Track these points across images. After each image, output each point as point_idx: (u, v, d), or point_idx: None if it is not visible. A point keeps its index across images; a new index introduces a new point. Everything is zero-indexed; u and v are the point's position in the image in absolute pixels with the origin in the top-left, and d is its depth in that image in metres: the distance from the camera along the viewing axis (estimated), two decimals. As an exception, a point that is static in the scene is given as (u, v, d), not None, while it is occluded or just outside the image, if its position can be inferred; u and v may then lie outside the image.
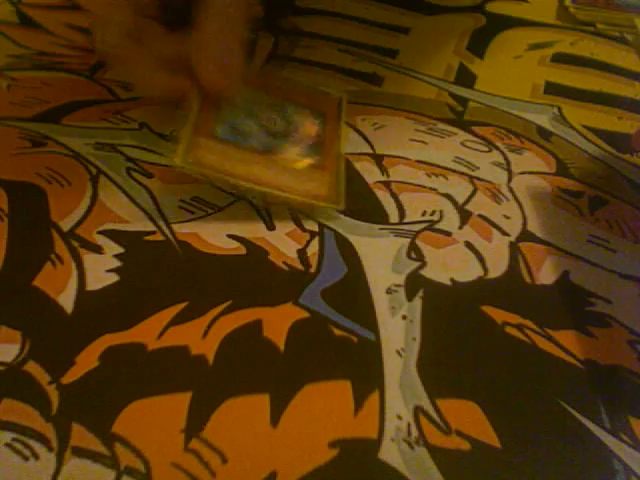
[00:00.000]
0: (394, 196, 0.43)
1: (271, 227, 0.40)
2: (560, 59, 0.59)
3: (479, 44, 0.59)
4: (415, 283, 0.38)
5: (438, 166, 0.46)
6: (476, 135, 0.49)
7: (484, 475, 0.30)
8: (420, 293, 0.37)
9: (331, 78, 0.53)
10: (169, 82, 0.40)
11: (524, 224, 0.42)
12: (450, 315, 0.36)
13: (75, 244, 0.38)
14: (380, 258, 0.39)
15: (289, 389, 0.32)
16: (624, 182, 0.46)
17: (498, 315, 0.36)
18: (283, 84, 0.46)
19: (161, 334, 0.34)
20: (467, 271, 0.39)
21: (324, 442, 0.30)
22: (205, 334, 0.34)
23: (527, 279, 0.39)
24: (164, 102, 0.45)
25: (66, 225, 0.39)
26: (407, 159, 0.46)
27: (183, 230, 0.39)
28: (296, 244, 0.39)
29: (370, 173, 0.45)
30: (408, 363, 0.34)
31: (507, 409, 0.32)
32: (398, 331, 0.35)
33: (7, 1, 0.59)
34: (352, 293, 0.37)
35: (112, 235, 0.39)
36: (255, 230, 0.40)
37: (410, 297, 0.37)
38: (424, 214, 0.42)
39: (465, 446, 0.31)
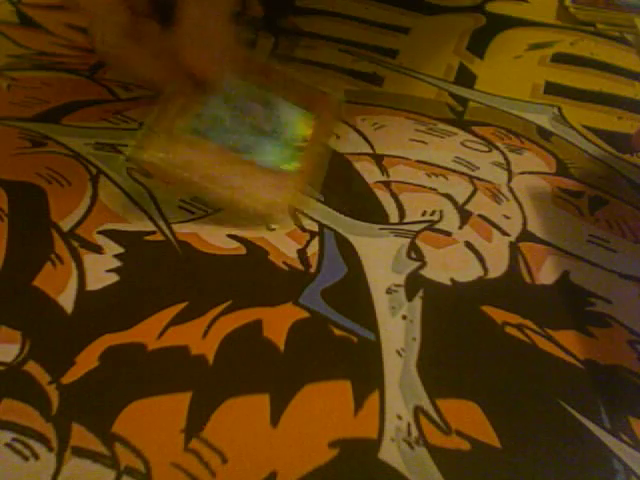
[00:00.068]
0: (394, 196, 0.43)
1: (271, 227, 0.40)
2: (560, 59, 0.59)
3: (479, 44, 0.59)
4: (415, 283, 0.38)
5: (438, 166, 0.46)
6: (476, 135, 0.49)
7: (484, 475, 0.30)
8: (420, 293, 0.37)
9: (331, 78, 0.53)
10: (168, 77, 0.40)
11: (524, 224, 0.42)
12: (450, 315, 0.36)
13: (75, 244, 0.38)
14: (380, 258, 0.39)
15: (289, 389, 0.32)
16: (624, 182, 0.46)
17: (498, 315, 0.36)
18: (278, 77, 0.45)
19: (161, 334, 0.34)
20: (467, 271, 0.39)
21: (324, 442, 0.30)
22: (205, 334, 0.34)
23: (527, 279, 0.39)
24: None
25: (66, 225, 0.39)
26: (407, 159, 0.46)
27: (183, 230, 0.39)
28: (296, 244, 0.39)
29: (370, 173, 0.45)
30: (408, 363, 0.34)
31: (507, 409, 0.32)
32: (398, 331, 0.35)
33: (7, 1, 0.59)
34: (352, 293, 0.37)
35: (112, 235, 0.39)
36: (255, 230, 0.40)
37: (410, 297, 0.37)
38: (424, 214, 0.42)
39: (465, 446, 0.31)
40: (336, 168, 0.45)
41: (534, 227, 0.42)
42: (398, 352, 0.34)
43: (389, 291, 0.37)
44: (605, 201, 0.44)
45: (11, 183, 0.42)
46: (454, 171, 0.46)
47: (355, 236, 0.40)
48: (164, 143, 0.38)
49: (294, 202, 0.41)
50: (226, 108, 0.41)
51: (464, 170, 0.46)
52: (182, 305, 0.35)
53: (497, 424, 0.32)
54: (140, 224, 0.39)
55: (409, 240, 0.40)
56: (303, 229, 0.40)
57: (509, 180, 0.45)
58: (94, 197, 0.41)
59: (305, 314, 0.35)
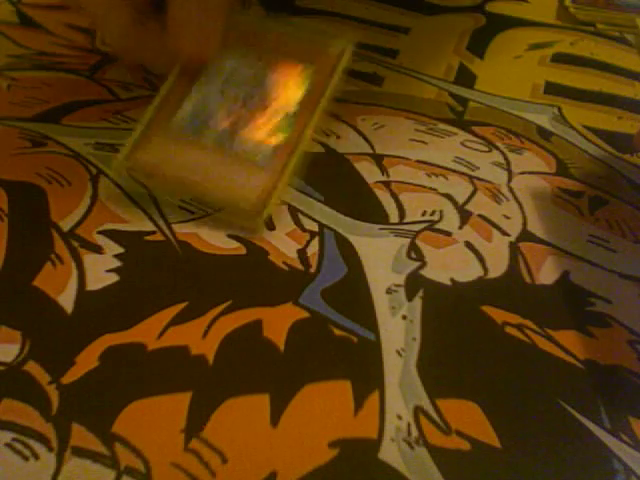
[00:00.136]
0: (394, 196, 0.43)
1: (271, 227, 0.40)
2: (560, 59, 0.59)
3: (479, 44, 0.59)
4: (415, 283, 0.38)
5: (438, 166, 0.46)
6: (476, 135, 0.49)
7: (484, 475, 0.30)
8: (420, 293, 0.37)
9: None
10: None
11: (524, 224, 0.42)
12: (450, 315, 0.36)
13: (75, 244, 0.38)
14: (380, 258, 0.39)
15: (289, 389, 0.32)
16: (624, 182, 0.46)
17: (498, 315, 0.36)
18: (272, 40, 0.41)
19: (161, 334, 0.34)
20: (467, 271, 0.39)
21: (324, 442, 0.30)
22: (205, 334, 0.34)
23: (527, 279, 0.39)
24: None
25: (66, 225, 0.39)
26: (407, 159, 0.46)
27: (183, 230, 0.39)
28: (296, 244, 0.39)
29: (370, 173, 0.45)
30: (408, 363, 0.34)
31: (507, 409, 0.32)
32: (398, 331, 0.35)
33: (7, 1, 0.59)
34: (352, 293, 0.37)
35: (112, 235, 0.39)
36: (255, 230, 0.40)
37: (410, 297, 0.37)
38: (424, 214, 0.42)
39: (465, 446, 0.31)
40: (336, 168, 0.45)
41: (534, 227, 0.42)
42: (398, 352, 0.34)
43: (389, 291, 0.37)
44: (605, 201, 0.44)
45: (11, 183, 0.42)
46: (454, 171, 0.46)
47: (355, 236, 0.40)
48: (157, 146, 0.38)
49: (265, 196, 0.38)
50: (211, 90, 0.40)
51: (464, 170, 0.46)
52: (182, 305, 0.35)
53: (497, 424, 0.32)
54: (140, 224, 0.39)
55: (409, 240, 0.40)
56: (303, 229, 0.40)
57: (509, 180, 0.45)
58: (94, 197, 0.41)
59: (305, 314, 0.35)
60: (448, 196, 0.44)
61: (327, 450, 0.30)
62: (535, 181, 0.46)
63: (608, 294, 0.38)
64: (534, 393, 0.33)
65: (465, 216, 0.42)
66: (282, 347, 0.34)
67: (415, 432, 0.31)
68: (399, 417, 0.31)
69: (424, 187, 0.44)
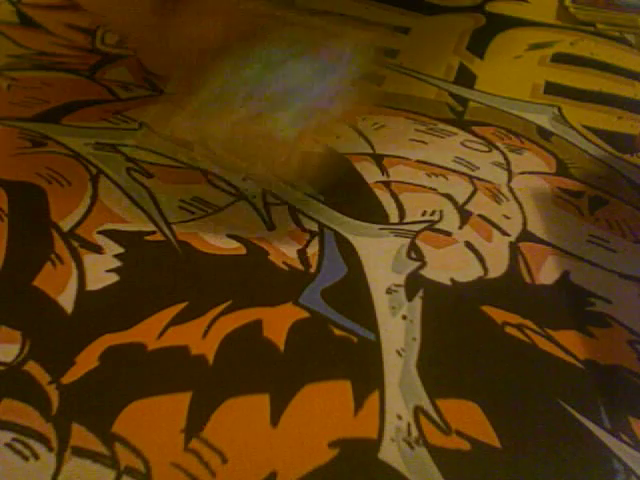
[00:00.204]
0: (394, 196, 0.43)
1: (271, 227, 0.40)
2: (560, 59, 0.59)
3: (479, 44, 0.59)
4: (415, 283, 0.38)
5: (438, 166, 0.46)
6: (476, 135, 0.49)
7: (484, 475, 0.30)
8: (420, 293, 0.37)
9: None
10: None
11: (524, 224, 0.42)
12: (450, 315, 0.36)
13: (75, 244, 0.38)
14: (380, 258, 0.39)
15: (289, 389, 0.32)
16: (624, 182, 0.46)
17: (498, 315, 0.36)
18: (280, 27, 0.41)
19: (161, 334, 0.34)
20: (467, 271, 0.39)
21: (324, 442, 0.30)
22: (205, 334, 0.34)
23: (527, 279, 0.39)
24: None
25: (66, 225, 0.39)
26: (407, 159, 0.46)
27: (183, 230, 0.39)
28: (296, 244, 0.39)
29: (370, 173, 0.45)
30: (408, 363, 0.34)
31: (507, 409, 0.32)
32: (398, 331, 0.35)
33: (7, 1, 0.59)
34: (352, 293, 0.37)
35: (112, 235, 0.39)
36: (255, 230, 0.40)
37: (410, 297, 0.37)
38: (424, 214, 0.42)
39: (465, 446, 0.31)
40: (336, 168, 0.45)
41: (534, 227, 0.42)
42: (398, 352, 0.34)
43: (389, 291, 0.37)
44: (605, 201, 0.44)
45: (11, 183, 0.42)
46: (454, 171, 0.46)
47: (355, 236, 0.40)
48: (184, 115, 0.37)
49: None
50: (242, 75, 0.39)
51: (464, 170, 0.46)
52: (182, 305, 0.35)
53: (497, 424, 0.32)
54: (140, 224, 0.39)
55: (409, 240, 0.40)
56: (303, 229, 0.40)
57: (509, 180, 0.45)
58: (94, 197, 0.41)
59: (305, 314, 0.35)
60: (448, 196, 0.44)
61: (327, 450, 0.30)
62: (535, 181, 0.46)
63: (608, 294, 0.38)
64: (534, 393, 0.33)
65: (465, 216, 0.42)
66: (282, 347, 0.34)
67: (415, 432, 0.31)
68: (399, 417, 0.31)
69: (424, 187, 0.44)
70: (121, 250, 0.38)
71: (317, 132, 0.39)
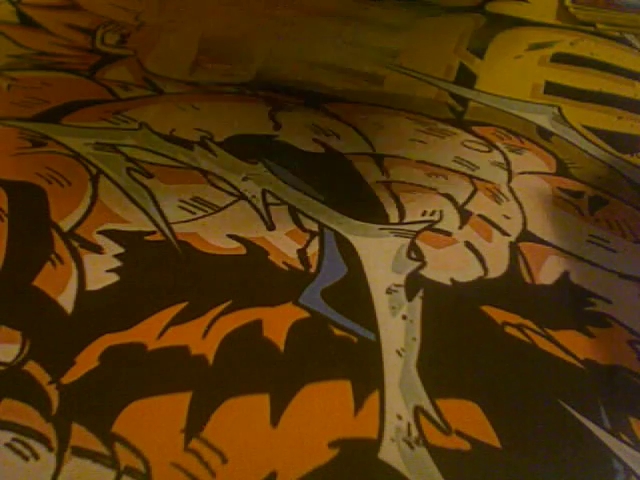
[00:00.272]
0: (394, 196, 0.43)
1: (271, 227, 0.40)
2: (560, 59, 0.59)
3: (479, 44, 0.59)
4: (415, 283, 0.38)
5: (438, 166, 0.46)
6: (476, 135, 0.49)
7: (484, 475, 0.30)
8: (420, 293, 0.37)
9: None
10: None
11: (524, 224, 0.42)
12: (450, 315, 0.36)
13: (75, 244, 0.38)
14: (380, 258, 0.39)
15: (289, 389, 0.32)
16: (624, 182, 0.46)
17: (498, 315, 0.36)
18: None
19: (161, 334, 0.34)
20: (467, 271, 0.39)
21: (324, 442, 0.30)
22: (205, 334, 0.34)
23: (527, 279, 0.39)
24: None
25: (66, 225, 0.39)
26: (407, 159, 0.46)
27: (183, 230, 0.39)
28: (296, 244, 0.39)
29: (370, 173, 0.45)
30: (408, 363, 0.34)
31: (507, 409, 0.32)
32: (398, 331, 0.35)
33: (7, 1, 0.59)
34: (352, 293, 0.37)
35: (112, 235, 0.39)
36: (255, 230, 0.40)
37: (410, 297, 0.37)
38: (424, 214, 0.42)
39: (465, 446, 0.31)
40: (336, 168, 0.45)
41: (534, 227, 0.42)
42: (398, 352, 0.34)
43: (389, 291, 0.37)
44: (605, 201, 0.44)
45: (11, 183, 0.41)
46: (454, 171, 0.46)
47: (355, 236, 0.40)
48: None
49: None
50: None
51: (464, 170, 0.46)
52: (182, 305, 0.35)
53: (497, 424, 0.32)
54: (140, 224, 0.39)
55: (409, 240, 0.40)
56: (303, 229, 0.40)
57: (509, 180, 0.45)
58: (94, 197, 0.41)
59: (305, 314, 0.35)
60: (448, 196, 0.44)
61: (327, 450, 0.30)
62: (535, 181, 0.46)
63: (608, 294, 0.38)
64: (534, 393, 0.33)
65: (465, 216, 0.42)
66: (282, 347, 0.34)
67: (415, 432, 0.31)
68: (399, 417, 0.31)
69: (424, 187, 0.44)
70: (121, 250, 0.38)
71: None
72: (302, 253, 0.39)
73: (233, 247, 0.39)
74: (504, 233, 0.41)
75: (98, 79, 0.51)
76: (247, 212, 0.41)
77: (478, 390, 0.33)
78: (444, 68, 0.56)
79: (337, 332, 0.35)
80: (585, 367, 0.34)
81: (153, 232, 0.39)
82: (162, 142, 0.45)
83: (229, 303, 0.36)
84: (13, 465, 0.29)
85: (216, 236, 0.39)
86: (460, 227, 0.41)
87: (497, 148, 0.48)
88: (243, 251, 0.39)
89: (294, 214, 0.41)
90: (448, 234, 0.41)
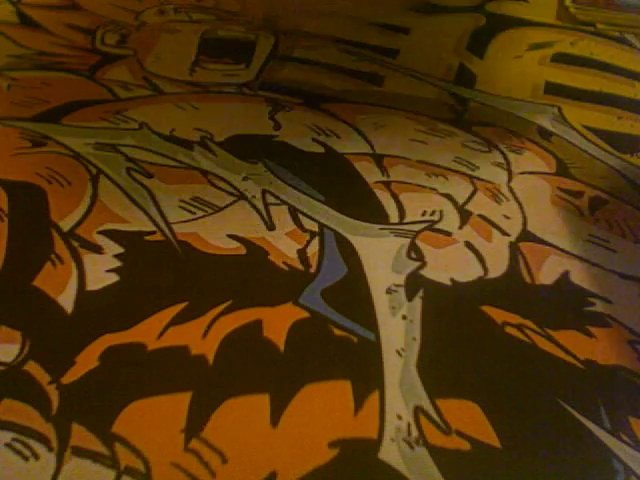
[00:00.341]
0: (394, 196, 0.43)
1: (271, 227, 0.40)
2: (560, 59, 0.58)
3: (479, 44, 0.59)
4: (415, 283, 0.38)
5: (438, 166, 0.46)
6: (476, 135, 0.49)
7: (484, 475, 0.30)
8: (420, 293, 0.37)
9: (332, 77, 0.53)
10: None
11: (524, 224, 0.42)
12: (450, 315, 0.36)
13: (75, 244, 0.38)
14: (380, 258, 0.39)
15: (289, 389, 0.32)
16: (624, 182, 0.46)
17: (498, 315, 0.36)
18: None
19: (161, 334, 0.34)
20: (467, 271, 0.39)
21: (324, 442, 0.30)
22: (205, 334, 0.34)
23: (527, 279, 0.39)
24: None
25: (66, 225, 0.39)
26: (407, 159, 0.46)
27: (183, 230, 0.39)
28: (296, 244, 0.39)
29: (370, 173, 0.45)
30: (408, 363, 0.34)
31: (507, 409, 0.32)
32: (398, 331, 0.35)
33: (7, 1, 0.59)
34: (352, 293, 0.37)
35: (112, 235, 0.39)
36: (255, 230, 0.40)
37: (410, 297, 0.37)
38: (424, 214, 0.42)
39: (465, 446, 0.31)
40: (336, 168, 0.45)
41: (534, 227, 0.42)
42: (398, 352, 0.34)
43: (389, 291, 0.37)
44: (605, 201, 0.44)
45: (11, 183, 0.41)
46: (454, 171, 0.46)
47: (355, 236, 0.40)
48: None
49: None
50: None
51: (464, 170, 0.46)
52: (182, 305, 0.35)
53: (497, 424, 0.32)
54: (140, 224, 0.39)
55: (409, 240, 0.40)
56: (303, 229, 0.40)
57: (509, 180, 0.45)
58: (94, 197, 0.41)
59: (305, 314, 0.35)
60: (448, 196, 0.44)
61: (327, 450, 0.30)
62: (535, 181, 0.46)
63: (608, 294, 0.38)
64: (534, 393, 0.33)
65: (465, 216, 0.42)
66: (282, 347, 0.34)
67: (415, 432, 0.31)
68: (399, 417, 0.31)
69: (424, 187, 0.44)
70: (121, 250, 0.38)
71: None
72: (302, 253, 0.39)
73: (233, 247, 0.39)
74: (504, 233, 0.41)
75: (98, 79, 0.51)
76: (247, 212, 0.41)
77: (478, 390, 0.33)
78: (444, 68, 0.56)
79: (337, 332, 0.35)
80: (585, 367, 0.34)
81: (153, 232, 0.39)
82: (162, 142, 0.45)
83: (229, 303, 0.36)
84: (13, 465, 0.29)
85: (216, 236, 0.39)
86: (460, 227, 0.41)
87: (497, 148, 0.48)
88: (243, 251, 0.39)
89: (294, 214, 0.41)
90: (448, 234, 0.41)
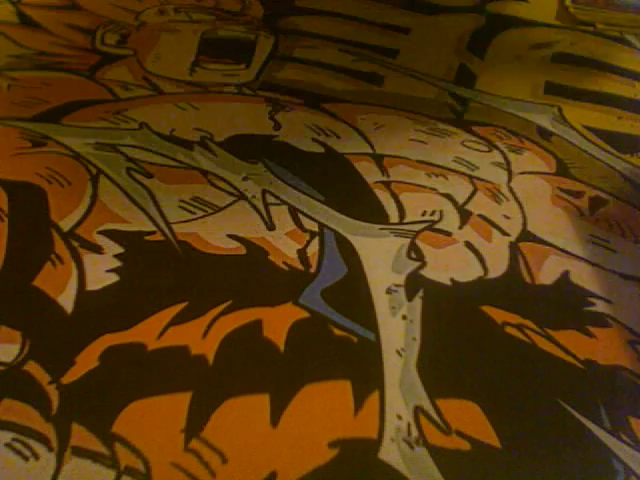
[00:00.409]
0: (394, 196, 0.43)
1: (271, 227, 0.40)
2: (560, 59, 0.59)
3: (479, 44, 0.59)
4: (415, 283, 0.38)
5: (438, 166, 0.46)
6: (476, 135, 0.49)
7: (484, 475, 0.30)
8: (420, 293, 0.37)
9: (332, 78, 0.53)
10: None
11: (524, 224, 0.42)
12: (450, 315, 0.36)
13: (75, 244, 0.38)
14: (380, 258, 0.39)
15: (289, 389, 0.32)
16: (624, 182, 0.46)
17: (498, 315, 0.36)
18: None
19: (161, 334, 0.34)
20: (467, 271, 0.39)
21: (324, 442, 0.30)
22: (205, 334, 0.34)
23: (527, 279, 0.39)
24: None
25: (66, 225, 0.39)
26: (407, 159, 0.46)
27: (183, 230, 0.39)
28: (296, 244, 0.39)
29: (370, 173, 0.45)
30: (408, 363, 0.34)
31: (507, 409, 0.32)
32: (398, 331, 0.35)
33: (7, 1, 0.59)
34: (352, 293, 0.37)
35: (112, 235, 0.39)
36: (255, 230, 0.40)
37: (410, 297, 0.37)
38: (424, 214, 0.42)
39: (465, 446, 0.31)
40: (336, 168, 0.45)
41: (534, 227, 0.42)
42: (398, 352, 0.34)
43: (389, 291, 0.37)
44: (605, 201, 0.44)
45: (11, 183, 0.41)
46: (454, 171, 0.46)
47: (355, 236, 0.40)
48: None
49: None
50: None
51: (464, 170, 0.46)
52: (182, 305, 0.35)
53: (497, 424, 0.32)
54: (140, 224, 0.39)
55: (409, 240, 0.40)
56: (303, 229, 0.40)
57: (509, 180, 0.45)
58: (94, 197, 0.41)
59: (305, 314, 0.35)
60: (448, 196, 0.44)
61: (327, 450, 0.30)
62: (535, 181, 0.46)
63: (608, 294, 0.38)
64: (534, 393, 0.33)
65: (465, 216, 0.42)
66: (282, 347, 0.34)
67: (415, 432, 0.31)
68: (399, 417, 0.31)
69: (424, 187, 0.44)
70: (121, 250, 0.38)
71: None
72: (302, 253, 0.39)
73: (233, 247, 0.39)
74: (504, 233, 0.41)
75: (98, 79, 0.51)
76: (247, 212, 0.41)
77: (478, 390, 0.33)
78: (444, 68, 0.56)
79: (337, 332, 0.35)
80: (585, 367, 0.34)
81: (153, 232, 0.39)
82: (162, 142, 0.45)
83: (229, 303, 0.36)
84: (13, 465, 0.29)
85: (216, 236, 0.39)
86: (460, 227, 0.41)
87: (497, 148, 0.48)
88: (243, 251, 0.39)
89: (294, 214, 0.41)
90: (448, 234, 0.41)
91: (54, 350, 0.33)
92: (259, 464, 0.29)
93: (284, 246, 0.39)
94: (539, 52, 0.59)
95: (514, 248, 0.40)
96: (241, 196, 0.42)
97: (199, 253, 0.38)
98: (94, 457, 0.29)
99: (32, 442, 0.29)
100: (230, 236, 0.39)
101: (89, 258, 0.37)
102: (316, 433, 0.31)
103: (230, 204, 0.41)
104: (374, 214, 0.42)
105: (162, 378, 0.32)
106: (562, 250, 0.40)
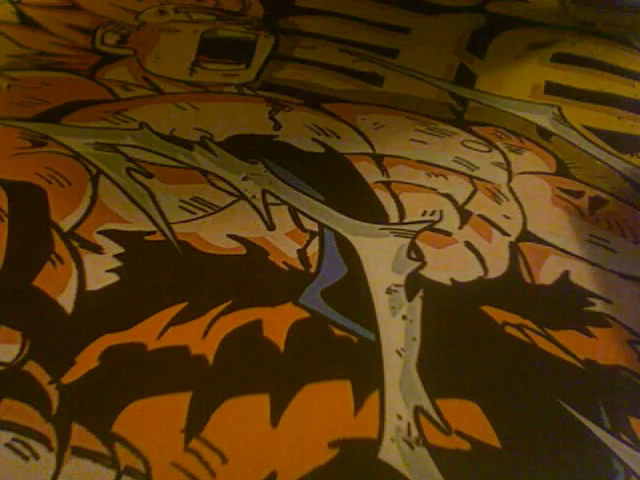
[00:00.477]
0: (394, 196, 0.43)
1: (271, 227, 0.40)
2: (560, 59, 0.58)
3: (479, 44, 0.59)
4: (415, 283, 0.38)
5: (438, 166, 0.46)
6: (476, 135, 0.49)
7: (484, 475, 0.30)
8: (420, 293, 0.37)
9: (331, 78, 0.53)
10: None
11: (524, 224, 0.42)
12: (450, 315, 0.36)
13: (75, 244, 0.38)
14: (380, 258, 0.39)
15: (289, 389, 0.32)
16: (624, 182, 0.46)
17: (498, 315, 0.36)
18: None
19: (161, 334, 0.34)
20: (467, 271, 0.39)
21: (324, 442, 0.30)
22: (205, 334, 0.34)
23: (527, 279, 0.39)
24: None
25: (66, 225, 0.39)
26: (407, 159, 0.46)
27: (183, 230, 0.39)
28: (296, 244, 0.39)
29: (370, 173, 0.45)
30: (408, 363, 0.34)
31: (507, 409, 0.32)
32: (398, 331, 0.35)
33: (7, 1, 0.59)
34: (352, 293, 0.37)
35: (112, 235, 0.39)
36: (255, 230, 0.40)
37: (410, 297, 0.37)
38: (424, 214, 0.42)
39: (465, 446, 0.31)
40: (336, 168, 0.45)
41: (534, 227, 0.42)
42: (398, 352, 0.34)
43: (389, 291, 0.37)
44: (605, 201, 0.44)
45: (11, 183, 0.42)
46: (454, 171, 0.46)
47: (355, 236, 0.40)
48: None
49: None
50: None
51: (464, 170, 0.46)
52: (182, 305, 0.35)
53: (497, 424, 0.32)
54: (140, 224, 0.39)
55: (409, 240, 0.40)
56: (303, 229, 0.40)
57: (509, 180, 0.45)
58: (94, 197, 0.41)
59: (305, 314, 0.35)
60: (448, 196, 0.44)
61: (327, 450, 0.30)
62: (535, 181, 0.46)
63: (608, 294, 0.38)
64: (534, 393, 0.33)
65: (465, 216, 0.42)
66: (282, 347, 0.34)
67: (415, 432, 0.31)
68: (399, 417, 0.31)
69: (424, 187, 0.44)
70: (121, 250, 0.38)
71: None
72: (302, 253, 0.39)
73: (233, 247, 0.39)
74: (504, 233, 0.41)
75: (98, 79, 0.51)
76: (247, 212, 0.41)
77: (478, 390, 0.33)
78: (444, 68, 0.56)
79: (337, 332, 0.35)
80: (585, 367, 0.34)
81: (153, 232, 0.39)
82: (162, 142, 0.45)
83: (229, 303, 0.36)
84: (13, 465, 0.29)
85: (216, 236, 0.39)
86: (460, 227, 0.41)
87: (497, 148, 0.48)
88: (243, 251, 0.39)
89: (294, 214, 0.41)
90: (448, 234, 0.41)
91: (54, 350, 0.33)
92: (259, 464, 0.29)
93: (284, 246, 0.39)
94: (539, 52, 0.59)
95: (514, 248, 0.40)
96: (241, 196, 0.42)
97: (199, 253, 0.38)
98: (94, 457, 0.29)
99: (32, 442, 0.29)
100: (230, 236, 0.39)
101: (89, 258, 0.37)
102: (316, 433, 0.31)
103: (230, 204, 0.41)
104: (374, 214, 0.42)
105: (162, 378, 0.32)
106: (562, 250, 0.40)
